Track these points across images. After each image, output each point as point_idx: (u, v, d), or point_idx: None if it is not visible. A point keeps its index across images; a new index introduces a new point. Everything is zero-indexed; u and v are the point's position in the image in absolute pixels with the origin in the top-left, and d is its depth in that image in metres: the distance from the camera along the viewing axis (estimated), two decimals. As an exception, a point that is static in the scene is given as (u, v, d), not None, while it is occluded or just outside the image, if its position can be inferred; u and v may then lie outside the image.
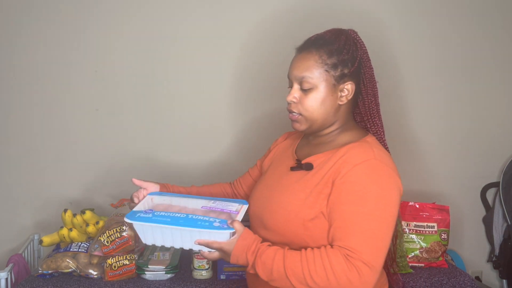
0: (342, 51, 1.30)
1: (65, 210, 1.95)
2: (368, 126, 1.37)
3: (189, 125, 2.32)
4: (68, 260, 1.79)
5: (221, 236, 1.20)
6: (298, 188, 1.29)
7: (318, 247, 1.21)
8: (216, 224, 1.21)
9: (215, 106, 2.32)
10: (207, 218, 1.23)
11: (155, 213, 1.27)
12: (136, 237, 1.78)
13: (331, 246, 1.21)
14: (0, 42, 2.23)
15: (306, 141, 1.44)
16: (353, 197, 1.21)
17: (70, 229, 1.94)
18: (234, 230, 1.20)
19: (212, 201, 1.36)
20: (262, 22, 2.29)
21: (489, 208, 2.40)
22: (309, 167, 1.31)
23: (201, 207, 1.31)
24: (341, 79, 1.30)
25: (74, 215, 1.94)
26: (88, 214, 1.94)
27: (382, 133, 1.37)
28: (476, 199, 2.42)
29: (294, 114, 1.33)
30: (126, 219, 1.25)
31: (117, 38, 2.26)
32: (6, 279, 1.83)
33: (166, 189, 1.55)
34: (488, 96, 2.40)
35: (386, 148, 1.36)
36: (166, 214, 1.26)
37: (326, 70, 1.29)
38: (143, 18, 2.26)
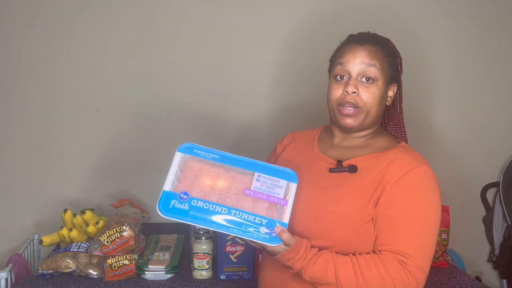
0: (395, 54, 1.33)
1: (65, 210, 1.95)
2: (389, 130, 1.40)
3: (189, 126, 2.32)
4: (68, 260, 1.78)
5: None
6: (345, 192, 1.24)
7: (367, 253, 1.20)
8: (263, 231, 1.14)
9: (223, 107, 2.33)
10: (252, 218, 1.15)
11: (192, 203, 1.16)
12: (136, 237, 1.78)
13: (379, 251, 1.19)
14: (1, 42, 2.23)
15: (330, 143, 1.37)
16: (408, 202, 1.20)
17: (70, 229, 1.94)
18: (281, 243, 1.15)
19: (257, 176, 1.23)
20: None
21: (489, 208, 2.40)
22: (354, 169, 1.26)
23: (245, 192, 1.20)
24: (391, 80, 1.31)
25: (74, 215, 1.94)
26: (88, 214, 1.94)
27: (405, 139, 1.40)
28: (476, 199, 2.42)
29: (350, 108, 1.26)
30: (160, 212, 1.14)
31: (117, 38, 2.26)
32: (6, 279, 1.83)
33: None
34: (488, 96, 2.40)
35: None
36: (205, 207, 1.16)
37: (388, 66, 1.29)
38: (143, 17, 2.26)
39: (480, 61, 2.38)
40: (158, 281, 1.77)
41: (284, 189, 1.22)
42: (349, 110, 1.26)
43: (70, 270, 1.78)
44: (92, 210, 1.98)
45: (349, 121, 1.27)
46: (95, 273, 1.78)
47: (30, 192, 2.29)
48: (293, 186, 1.23)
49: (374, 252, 1.20)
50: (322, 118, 1.44)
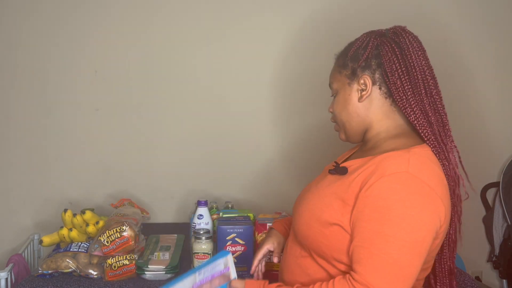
0: (351, 48, 1.26)
1: (65, 210, 1.95)
2: (417, 128, 1.21)
3: (189, 125, 2.32)
4: (68, 260, 1.78)
5: None
6: (326, 193, 1.21)
7: (328, 281, 1.13)
8: None
9: (223, 107, 2.33)
10: None
11: None
12: (136, 237, 1.78)
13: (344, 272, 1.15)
14: (0, 42, 2.23)
15: (360, 145, 1.38)
16: (375, 213, 1.08)
17: (70, 229, 1.94)
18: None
19: (197, 273, 1.28)
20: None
21: (489, 208, 2.40)
22: (342, 171, 1.21)
23: (192, 287, 1.24)
24: (353, 75, 1.24)
25: (74, 215, 1.94)
26: (88, 214, 1.94)
27: (432, 137, 1.19)
28: (476, 199, 2.42)
29: (335, 124, 1.34)
30: None
31: (117, 38, 2.26)
32: (6, 279, 1.83)
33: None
34: (488, 96, 2.40)
35: (447, 159, 1.20)
36: None
37: (339, 72, 1.29)
38: (144, 17, 2.26)
39: (480, 61, 2.38)
40: (158, 281, 1.76)
41: (223, 263, 1.26)
42: (335, 126, 1.35)
43: (70, 270, 1.78)
44: (92, 210, 1.98)
45: (339, 136, 1.34)
46: (95, 273, 1.78)
47: (30, 192, 2.29)
48: (229, 258, 1.27)
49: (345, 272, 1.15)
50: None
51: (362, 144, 1.33)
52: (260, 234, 1.76)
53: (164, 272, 1.77)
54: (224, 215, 1.88)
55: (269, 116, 2.34)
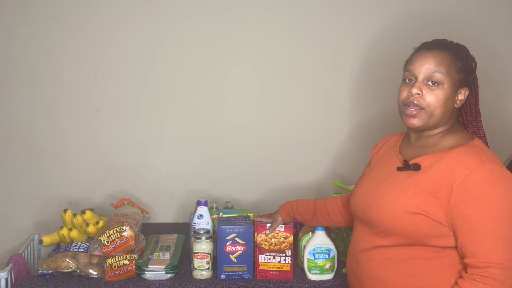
0: (467, 59, 1.38)
1: (65, 210, 1.95)
2: (476, 133, 1.45)
3: (189, 125, 2.32)
4: (68, 260, 1.78)
5: None
6: (406, 187, 1.35)
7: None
8: None
9: (224, 108, 2.33)
10: None
11: None
12: (136, 237, 1.79)
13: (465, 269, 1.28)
14: (0, 42, 2.23)
15: (409, 143, 1.49)
16: (476, 201, 1.25)
17: (70, 229, 1.94)
18: None
19: None
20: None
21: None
22: (416, 167, 1.36)
23: None
24: (462, 83, 1.37)
25: (74, 215, 1.94)
26: (88, 214, 1.94)
27: (483, 135, 1.45)
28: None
29: (413, 109, 1.36)
30: None
31: (118, 38, 2.26)
32: (6, 279, 1.83)
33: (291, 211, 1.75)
34: (489, 95, 2.39)
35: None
36: None
37: (455, 71, 1.36)
38: (144, 17, 2.26)
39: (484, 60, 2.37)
40: (158, 281, 1.77)
41: None
42: (411, 111, 1.37)
43: (70, 270, 1.78)
44: (92, 210, 1.98)
45: (412, 122, 1.38)
46: (95, 273, 1.78)
47: (30, 192, 2.29)
48: None
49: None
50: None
51: (415, 140, 1.45)
52: (259, 235, 1.76)
53: (164, 272, 1.77)
54: (224, 215, 1.88)
55: (268, 116, 2.33)
